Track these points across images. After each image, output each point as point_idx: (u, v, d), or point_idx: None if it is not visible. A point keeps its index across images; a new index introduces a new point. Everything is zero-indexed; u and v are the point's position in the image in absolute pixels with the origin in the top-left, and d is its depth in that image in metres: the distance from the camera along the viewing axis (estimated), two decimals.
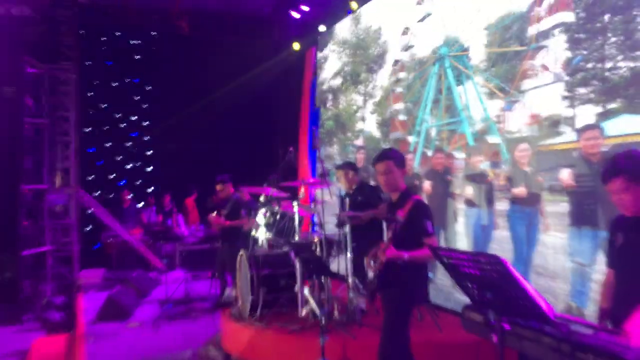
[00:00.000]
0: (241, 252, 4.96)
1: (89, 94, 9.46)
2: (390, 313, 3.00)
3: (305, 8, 8.61)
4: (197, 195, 9.92)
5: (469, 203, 5.27)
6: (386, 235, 3.04)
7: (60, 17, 8.28)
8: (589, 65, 4.07)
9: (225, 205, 6.23)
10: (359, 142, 7.95)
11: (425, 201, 5.72)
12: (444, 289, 5.25)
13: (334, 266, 4.79)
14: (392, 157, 3.11)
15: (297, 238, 4.93)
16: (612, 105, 3.82)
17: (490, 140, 5.15)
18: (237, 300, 5.00)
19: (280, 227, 5.06)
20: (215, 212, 6.29)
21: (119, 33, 9.85)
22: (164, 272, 8.27)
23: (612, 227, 2.47)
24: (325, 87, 9.19)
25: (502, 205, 4.83)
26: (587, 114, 4.05)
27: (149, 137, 10.40)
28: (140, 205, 9.98)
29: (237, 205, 6.19)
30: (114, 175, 10.14)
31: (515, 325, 2.08)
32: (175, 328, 5.73)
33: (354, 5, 7.66)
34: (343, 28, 8.61)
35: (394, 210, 3.01)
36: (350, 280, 4.33)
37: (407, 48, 6.76)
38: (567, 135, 4.24)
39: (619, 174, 2.21)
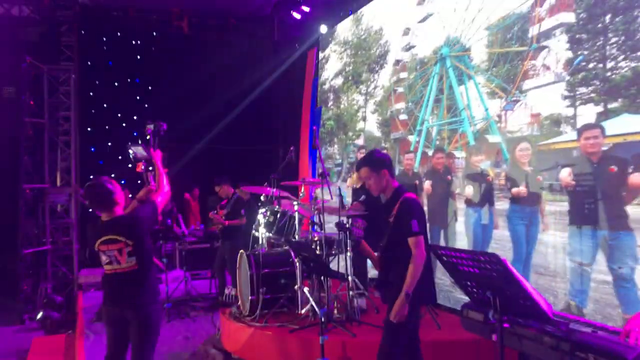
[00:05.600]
0: (241, 251, 4.96)
1: (90, 94, 9.45)
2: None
3: (306, 8, 8.60)
4: (199, 193, 9.91)
5: (469, 202, 5.26)
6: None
7: (61, 17, 8.29)
8: (590, 65, 4.07)
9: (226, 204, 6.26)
10: (360, 141, 7.95)
11: (425, 201, 5.78)
12: (443, 288, 5.25)
13: (333, 265, 4.79)
14: (366, 163, 3.02)
15: (297, 237, 4.92)
16: (613, 105, 3.82)
17: (491, 139, 5.15)
18: (237, 300, 5.00)
19: (281, 226, 5.05)
20: (216, 211, 6.30)
21: (120, 33, 9.85)
22: (163, 271, 8.25)
23: None
24: (326, 86, 9.19)
25: (502, 205, 4.83)
26: (588, 113, 4.04)
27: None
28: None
29: (238, 204, 6.19)
30: (114, 174, 10.13)
31: (515, 324, 2.08)
32: (175, 327, 5.73)
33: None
34: (344, 28, 8.60)
35: (388, 210, 2.98)
36: (350, 279, 4.33)
37: (408, 48, 6.76)
38: (568, 135, 4.24)
39: None
